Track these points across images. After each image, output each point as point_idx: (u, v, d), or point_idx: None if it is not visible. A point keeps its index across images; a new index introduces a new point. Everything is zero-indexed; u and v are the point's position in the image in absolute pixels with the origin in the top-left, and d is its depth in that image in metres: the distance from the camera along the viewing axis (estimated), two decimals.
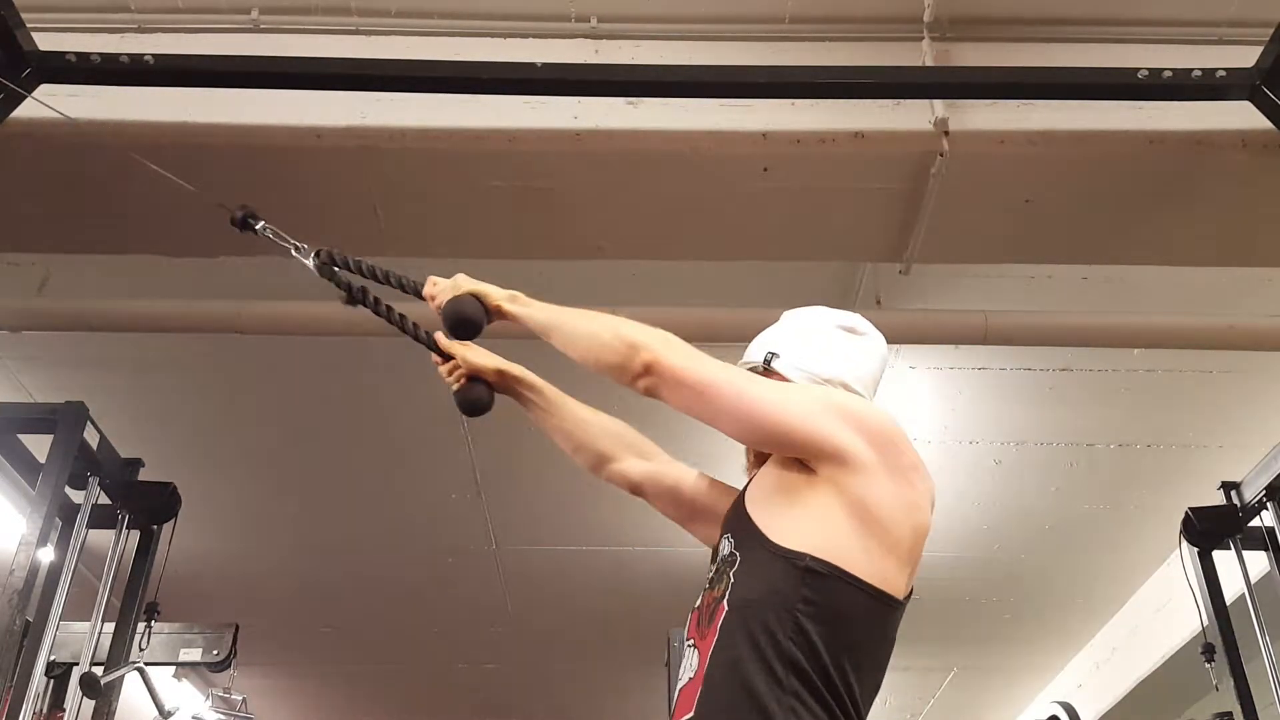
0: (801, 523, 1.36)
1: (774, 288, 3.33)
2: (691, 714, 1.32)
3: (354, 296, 1.73)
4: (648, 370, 1.41)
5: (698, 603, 1.45)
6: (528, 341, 1.62)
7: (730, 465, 1.69)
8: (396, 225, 2.83)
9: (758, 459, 1.55)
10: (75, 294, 3.31)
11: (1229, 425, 4.03)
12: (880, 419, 1.41)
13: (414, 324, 1.76)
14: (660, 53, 2.74)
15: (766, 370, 1.54)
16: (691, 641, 1.40)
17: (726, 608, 1.35)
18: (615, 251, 2.93)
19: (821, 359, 1.52)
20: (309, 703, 6.58)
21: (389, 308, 1.75)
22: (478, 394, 1.74)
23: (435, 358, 1.77)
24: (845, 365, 1.52)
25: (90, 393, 2.98)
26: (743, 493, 1.50)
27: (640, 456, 1.74)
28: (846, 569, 1.32)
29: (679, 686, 1.39)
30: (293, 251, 1.72)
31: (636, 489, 1.74)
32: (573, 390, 1.78)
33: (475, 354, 1.76)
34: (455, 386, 1.76)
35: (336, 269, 1.71)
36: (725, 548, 1.44)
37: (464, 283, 1.65)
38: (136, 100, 2.58)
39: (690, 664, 1.38)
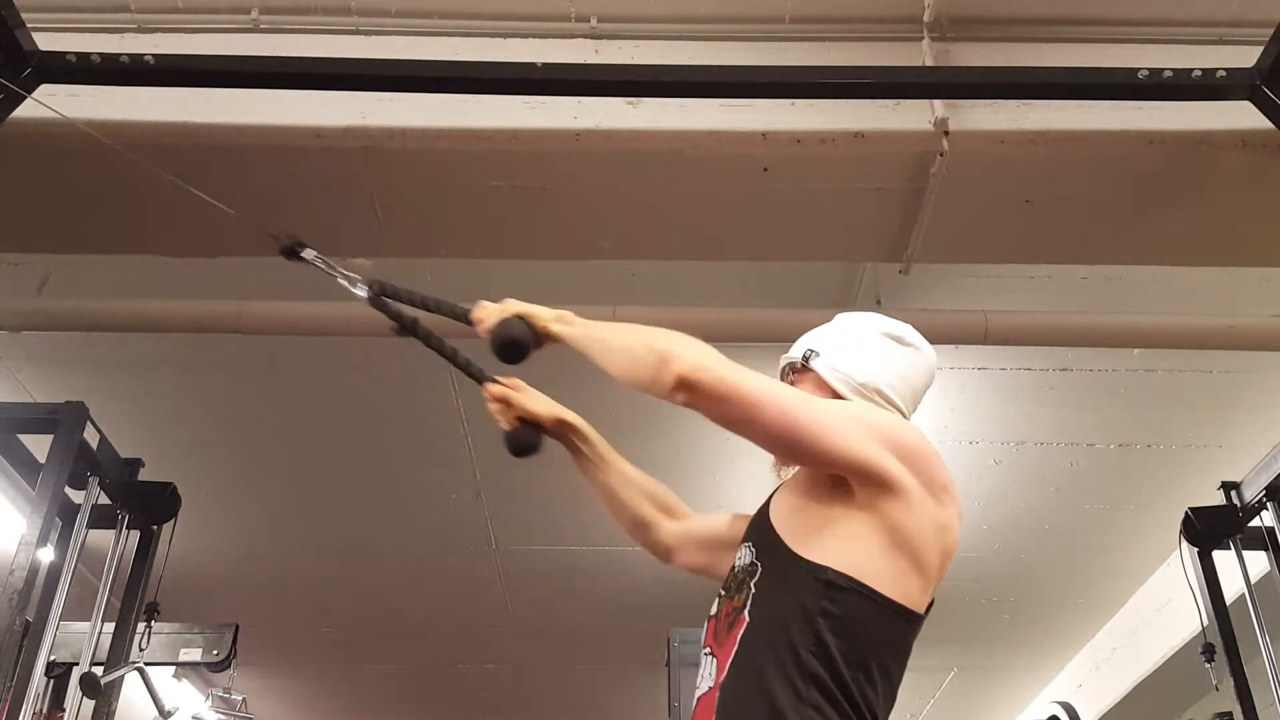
0: (828, 537, 1.35)
1: (774, 288, 3.33)
2: None
3: (405, 328, 1.66)
4: (682, 383, 1.31)
5: (714, 610, 1.43)
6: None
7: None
8: (396, 225, 2.83)
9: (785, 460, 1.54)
10: (75, 294, 3.31)
11: (1229, 425, 4.04)
12: (915, 438, 1.39)
13: (466, 359, 1.70)
14: (660, 53, 2.74)
15: (804, 367, 1.53)
16: (709, 650, 1.39)
17: (747, 619, 1.34)
18: (615, 251, 2.93)
19: (860, 363, 1.50)
20: (309, 703, 6.58)
21: (441, 341, 1.69)
22: (529, 439, 1.69)
23: (487, 395, 1.71)
24: (882, 373, 1.50)
25: (90, 393, 2.98)
26: (768, 502, 1.49)
27: (671, 517, 1.72)
28: (869, 584, 1.31)
29: (697, 695, 1.38)
30: (341, 281, 1.66)
31: (668, 554, 1.72)
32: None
33: (533, 399, 1.71)
34: (506, 427, 1.70)
35: (387, 299, 1.65)
36: (745, 556, 1.43)
37: (512, 305, 1.57)
38: (137, 100, 2.58)
39: (709, 673, 1.36)
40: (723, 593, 1.44)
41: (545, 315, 1.55)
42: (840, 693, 1.26)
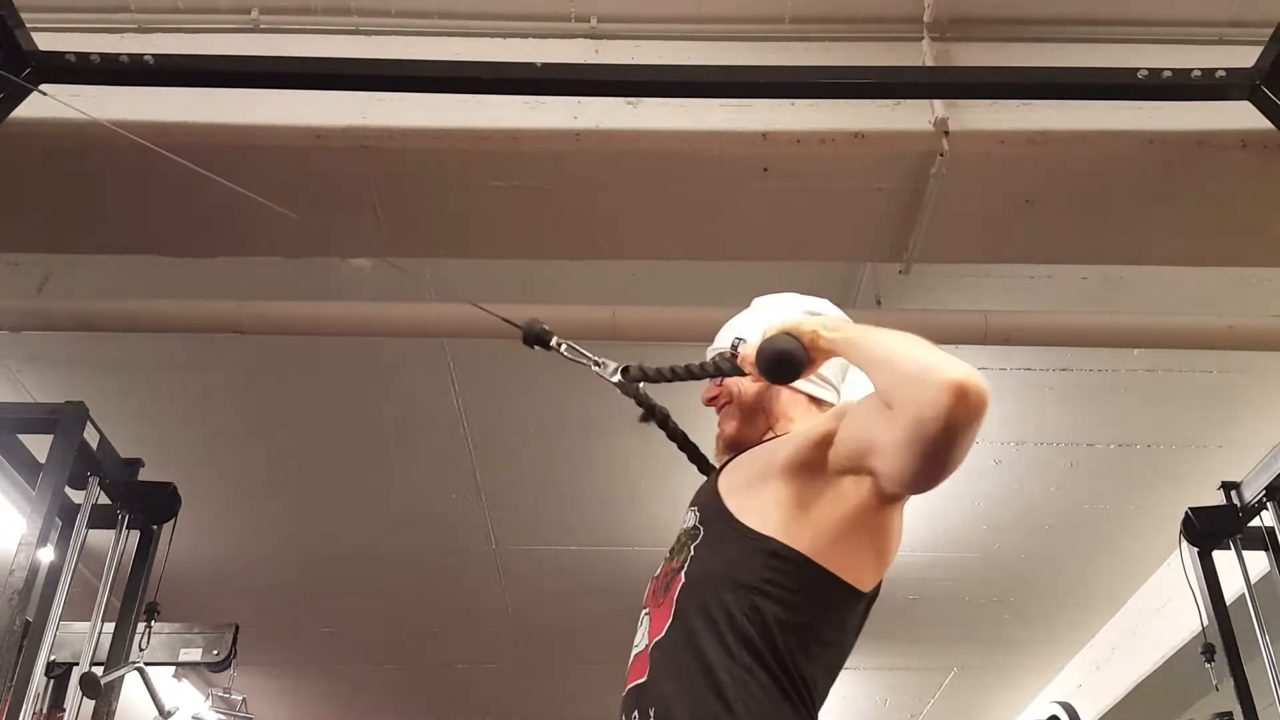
0: (785, 511, 1.36)
1: (774, 288, 3.30)
2: (643, 679, 1.34)
3: (653, 416, 1.61)
4: (955, 390, 1.18)
5: (657, 572, 1.47)
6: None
7: None
8: (396, 225, 2.83)
9: (728, 446, 1.57)
10: (75, 294, 3.31)
11: (1229, 425, 4.03)
12: None
13: (703, 455, 1.67)
14: (660, 53, 2.74)
15: (734, 354, 1.54)
16: (647, 610, 1.43)
17: (684, 579, 1.38)
18: (615, 251, 2.93)
19: None
20: (309, 703, 6.58)
21: (685, 435, 1.64)
22: None
23: None
24: None
25: (90, 393, 2.99)
26: (719, 472, 1.52)
27: None
28: (816, 560, 1.33)
29: (633, 653, 1.41)
30: (593, 368, 1.60)
31: None
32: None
33: None
34: None
35: (640, 385, 1.60)
36: (690, 520, 1.47)
37: (772, 329, 1.44)
38: (136, 100, 2.57)
39: (644, 631, 1.40)
40: (667, 555, 1.47)
41: (810, 325, 1.41)
42: (773, 657, 1.29)
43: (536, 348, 1.62)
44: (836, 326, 1.41)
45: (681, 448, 1.66)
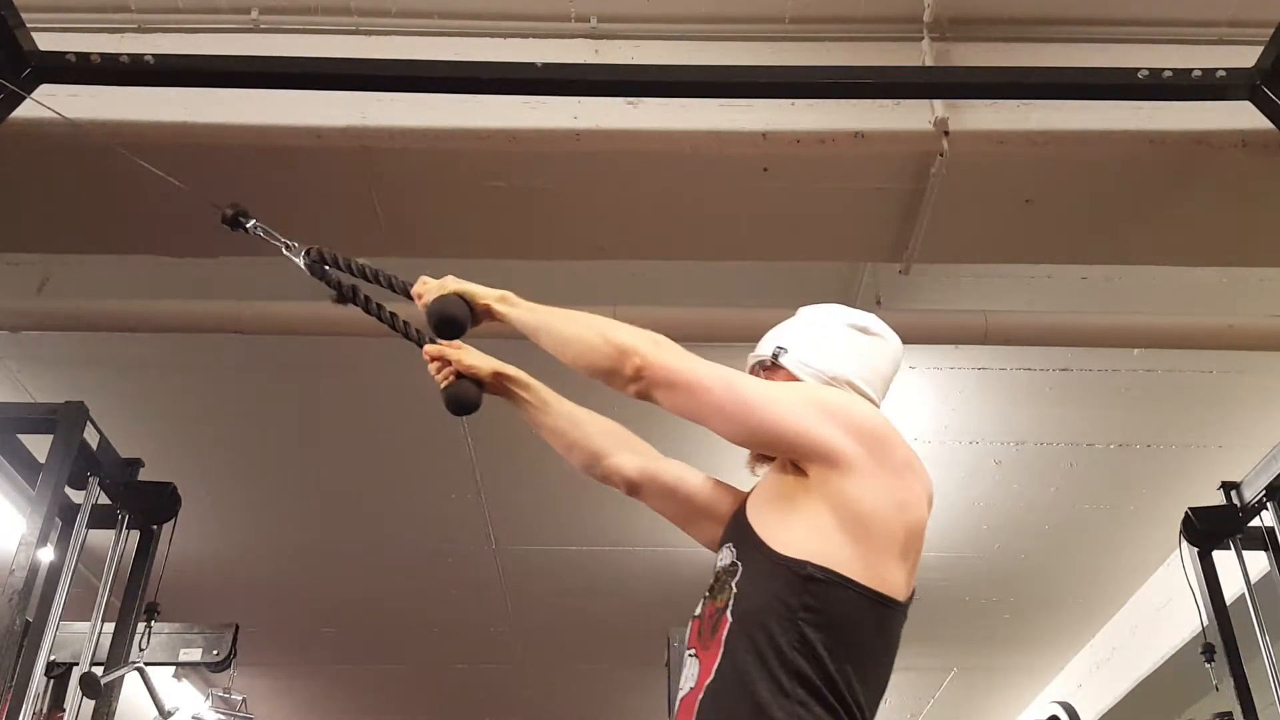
0: (798, 529, 1.35)
1: (774, 288, 3.32)
2: None
3: (344, 295, 1.73)
4: (639, 374, 1.40)
5: (698, 611, 1.43)
6: (520, 342, 1.61)
7: (726, 462, 1.68)
8: (396, 225, 2.83)
9: (758, 458, 1.54)
10: (75, 294, 3.31)
11: (1229, 425, 4.03)
12: (869, 415, 1.41)
13: (405, 322, 1.75)
14: (660, 53, 2.74)
15: (774, 365, 1.54)
16: (693, 651, 1.39)
17: (730, 619, 1.34)
18: (615, 251, 2.93)
19: (829, 357, 1.51)
20: (309, 703, 6.58)
21: (380, 306, 1.75)
22: (466, 393, 1.70)
23: (425, 354, 1.74)
24: (853, 364, 1.51)
25: (90, 393, 2.99)
26: (744, 500, 1.50)
27: (635, 454, 1.70)
28: (845, 574, 1.31)
29: (679, 696, 1.38)
30: (283, 250, 1.72)
31: (633, 487, 1.68)
32: (567, 391, 1.76)
33: (469, 354, 1.73)
34: (444, 384, 1.72)
35: (327, 268, 1.71)
36: (726, 557, 1.44)
37: (451, 283, 1.63)
38: (136, 100, 2.58)
39: (691, 674, 1.37)
40: (707, 594, 1.45)
41: (487, 295, 1.61)
42: (826, 687, 1.27)
43: (235, 230, 1.75)
44: (516, 303, 1.59)
45: (381, 320, 1.75)
